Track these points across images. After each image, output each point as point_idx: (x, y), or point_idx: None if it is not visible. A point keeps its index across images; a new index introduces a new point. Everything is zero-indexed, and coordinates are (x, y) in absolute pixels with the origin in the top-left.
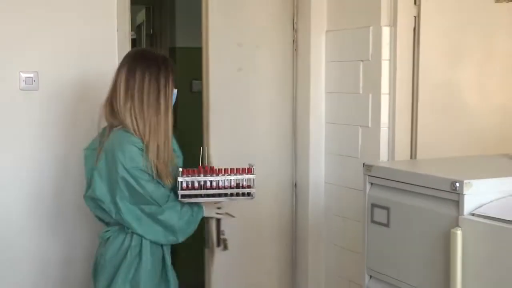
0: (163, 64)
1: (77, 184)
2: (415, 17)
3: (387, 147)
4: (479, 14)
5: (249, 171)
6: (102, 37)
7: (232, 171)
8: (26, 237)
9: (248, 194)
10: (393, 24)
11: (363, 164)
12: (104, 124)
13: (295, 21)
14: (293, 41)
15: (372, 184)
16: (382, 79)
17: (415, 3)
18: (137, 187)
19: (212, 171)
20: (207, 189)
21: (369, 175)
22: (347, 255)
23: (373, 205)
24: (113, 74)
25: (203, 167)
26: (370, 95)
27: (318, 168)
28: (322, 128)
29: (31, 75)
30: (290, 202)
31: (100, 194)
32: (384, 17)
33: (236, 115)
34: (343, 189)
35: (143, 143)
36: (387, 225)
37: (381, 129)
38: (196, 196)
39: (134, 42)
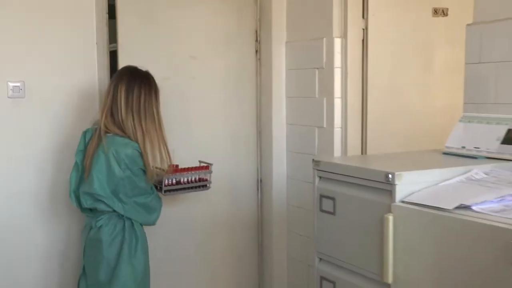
0: (153, 81)
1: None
2: (363, 29)
3: (340, 145)
4: (419, 26)
5: (207, 167)
6: (83, 49)
7: (196, 169)
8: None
9: (205, 186)
10: (344, 36)
11: (312, 160)
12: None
13: (258, 33)
14: (256, 51)
15: (320, 177)
16: (335, 84)
17: (363, 17)
18: (138, 183)
19: (180, 170)
20: (180, 184)
21: (317, 169)
22: (305, 242)
23: (321, 196)
24: (92, 83)
25: (172, 167)
26: (325, 99)
27: (280, 165)
28: (283, 128)
29: (18, 84)
30: (256, 196)
31: (101, 190)
32: (336, 30)
33: (207, 119)
34: (302, 183)
35: (139, 147)
36: (333, 213)
37: (335, 129)
38: (177, 190)
39: (115, 54)
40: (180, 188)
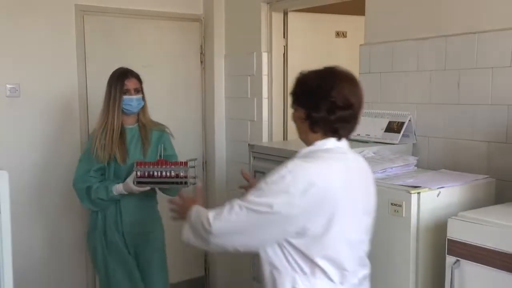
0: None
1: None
2: (284, 46)
3: (267, 133)
4: (325, 44)
5: (185, 164)
6: (66, 59)
7: (174, 164)
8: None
9: (185, 182)
10: (269, 50)
11: (248, 144)
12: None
13: (203, 47)
14: (201, 61)
15: (254, 157)
16: (262, 88)
17: (284, 37)
18: None
19: (160, 163)
20: (153, 177)
21: (252, 151)
22: None
23: (255, 171)
24: (73, 85)
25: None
26: (255, 99)
27: (221, 150)
28: (223, 122)
29: (14, 86)
30: (202, 174)
31: None
32: (263, 46)
33: (160, 117)
34: (238, 163)
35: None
36: None
37: (263, 122)
38: (148, 183)
39: None
40: (151, 181)
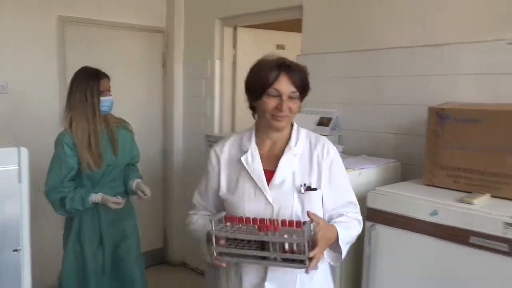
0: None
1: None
2: (233, 55)
3: (218, 126)
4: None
5: (298, 225)
6: (45, 57)
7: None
8: None
9: (303, 262)
10: (221, 58)
11: (205, 135)
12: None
13: (164, 54)
14: (163, 66)
15: (209, 145)
16: (215, 89)
17: (233, 47)
18: None
19: (258, 222)
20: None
21: (208, 140)
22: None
23: None
24: (54, 83)
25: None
26: (208, 98)
27: (179, 141)
28: (181, 117)
29: (3, 84)
30: (161, 162)
31: None
32: (216, 54)
33: (125, 114)
34: (194, 152)
35: None
36: None
37: (215, 117)
38: (239, 256)
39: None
40: (246, 255)
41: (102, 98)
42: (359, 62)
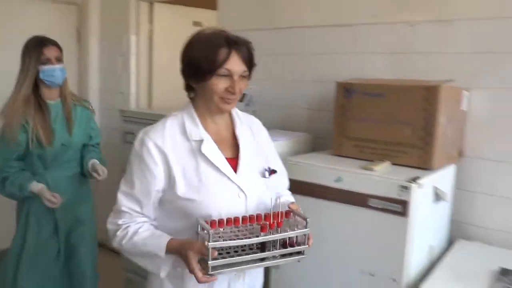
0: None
1: None
2: (150, 30)
3: (135, 102)
4: (184, 31)
5: (288, 215)
6: None
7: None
8: None
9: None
10: (137, 33)
11: (120, 110)
12: None
13: (79, 29)
14: (77, 40)
15: (124, 120)
16: (130, 65)
17: (150, 22)
18: None
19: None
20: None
21: (123, 116)
22: (117, 163)
23: (125, 132)
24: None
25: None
26: (124, 74)
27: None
28: (96, 93)
29: None
30: None
31: None
32: (132, 30)
33: None
34: (110, 128)
35: None
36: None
37: (131, 93)
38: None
39: None
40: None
41: (46, 67)
42: (273, 40)
